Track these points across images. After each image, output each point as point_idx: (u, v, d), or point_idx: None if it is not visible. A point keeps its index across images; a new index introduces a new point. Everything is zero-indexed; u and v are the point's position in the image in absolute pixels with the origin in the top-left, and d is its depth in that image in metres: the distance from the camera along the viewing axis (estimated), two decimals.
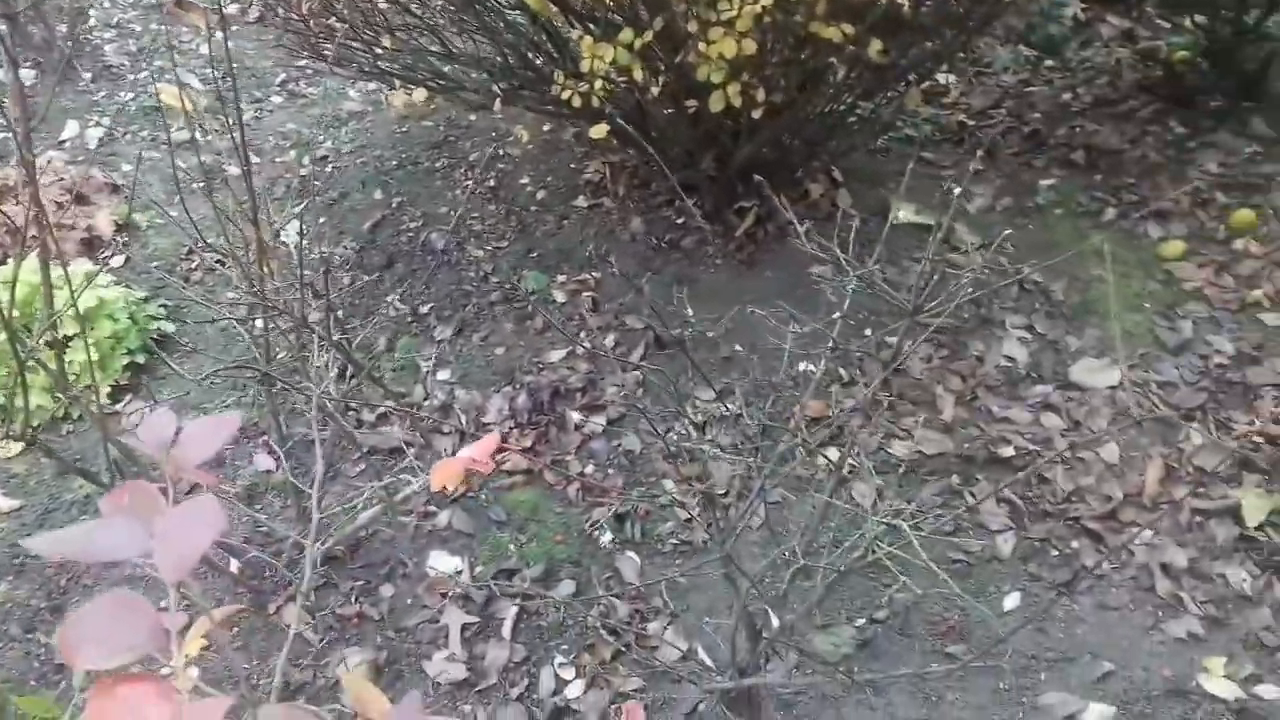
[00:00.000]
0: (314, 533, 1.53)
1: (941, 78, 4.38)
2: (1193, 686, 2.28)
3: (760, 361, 3.07)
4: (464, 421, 2.98)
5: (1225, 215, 3.55)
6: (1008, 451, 2.81)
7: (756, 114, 2.93)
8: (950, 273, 3.39)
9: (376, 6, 2.74)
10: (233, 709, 0.61)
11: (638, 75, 2.76)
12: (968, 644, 2.39)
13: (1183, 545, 2.57)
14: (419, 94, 2.75)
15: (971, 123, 4.11)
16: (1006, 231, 2.47)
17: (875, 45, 2.78)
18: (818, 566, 1.88)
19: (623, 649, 2.43)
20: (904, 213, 3.59)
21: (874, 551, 2.62)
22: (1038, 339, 3.17)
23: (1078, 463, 2.80)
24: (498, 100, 3.17)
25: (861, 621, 2.47)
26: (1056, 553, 2.58)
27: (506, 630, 2.49)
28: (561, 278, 3.42)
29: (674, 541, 2.67)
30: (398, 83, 2.82)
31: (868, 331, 3.20)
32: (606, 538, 2.68)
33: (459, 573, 2.61)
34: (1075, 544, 2.58)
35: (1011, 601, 2.49)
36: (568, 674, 2.41)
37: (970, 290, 3.15)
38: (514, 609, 2.53)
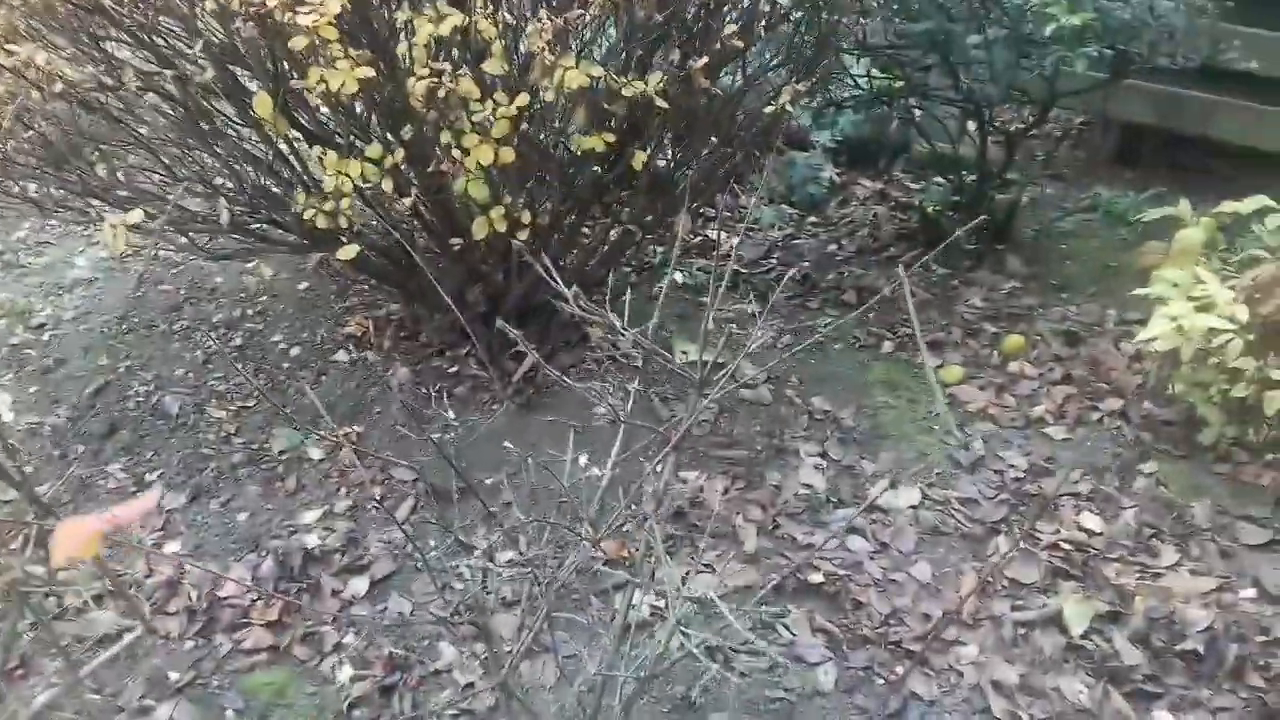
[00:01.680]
0: None
1: (712, 233, 4.39)
2: None
3: (544, 504, 2.75)
4: (195, 598, 2.50)
5: (995, 343, 3.59)
6: (816, 578, 2.58)
7: (523, 235, 2.74)
8: (741, 405, 3.24)
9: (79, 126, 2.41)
10: None
11: (387, 186, 2.53)
12: None
13: (1011, 661, 2.36)
14: (134, 215, 2.40)
15: (744, 271, 4.09)
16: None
17: (639, 157, 2.68)
18: (618, 687, 1.54)
19: None
20: (689, 351, 3.45)
21: (689, 695, 2.29)
22: (833, 465, 3.02)
23: (890, 584, 2.59)
24: (235, 241, 2.86)
25: None
26: (881, 681, 2.32)
27: None
28: (318, 435, 3.04)
29: (452, 713, 2.26)
30: (108, 217, 2.46)
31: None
32: (368, 715, 2.23)
33: None
34: (899, 669, 2.34)
35: None
36: None
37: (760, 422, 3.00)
38: None
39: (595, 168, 2.76)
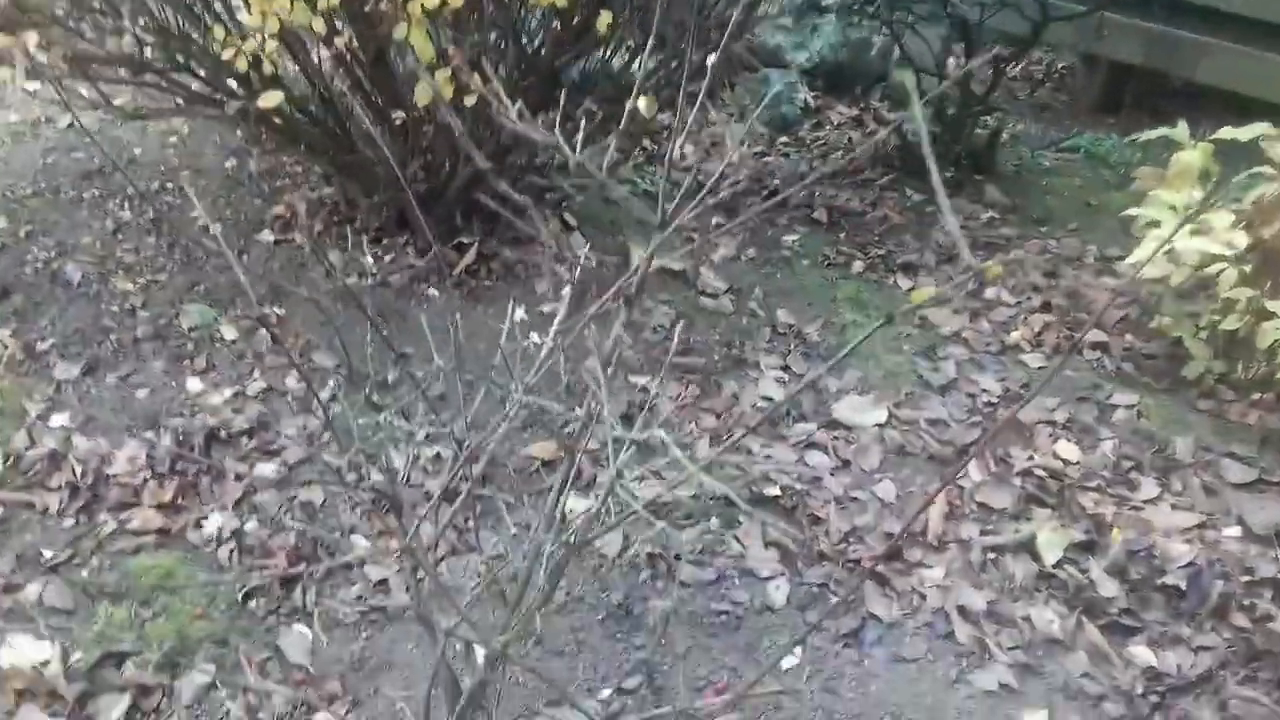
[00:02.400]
0: None
1: (677, 149, 4.13)
2: None
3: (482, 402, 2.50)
4: (78, 474, 2.22)
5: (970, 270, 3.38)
6: (772, 491, 2.36)
7: (469, 101, 2.46)
8: (700, 314, 3.01)
9: None
10: None
11: (317, 26, 2.24)
12: (741, 712, 1.86)
13: (978, 586, 2.17)
14: (30, 37, 2.10)
15: (706, 181, 3.83)
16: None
17: (604, 18, 2.41)
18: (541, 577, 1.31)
19: None
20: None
21: (627, 602, 2.07)
22: (796, 380, 2.80)
23: (851, 502, 2.38)
24: (149, 96, 2.56)
25: (607, 692, 1.88)
26: (836, 599, 2.11)
27: None
28: (235, 313, 2.76)
29: (362, 609, 2.01)
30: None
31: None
32: (264, 608, 1.99)
33: (45, 663, 1.83)
34: (858, 589, 2.13)
35: (791, 659, 1.98)
36: None
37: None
38: (122, 706, 1.77)
39: (556, 23, 2.49)
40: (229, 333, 2.69)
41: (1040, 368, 2.91)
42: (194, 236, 3.04)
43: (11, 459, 2.24)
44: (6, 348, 2.55)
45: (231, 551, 2.10)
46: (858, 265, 3.39)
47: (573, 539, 1.24)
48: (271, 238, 3.07)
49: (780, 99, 4.51)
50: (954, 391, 2.79)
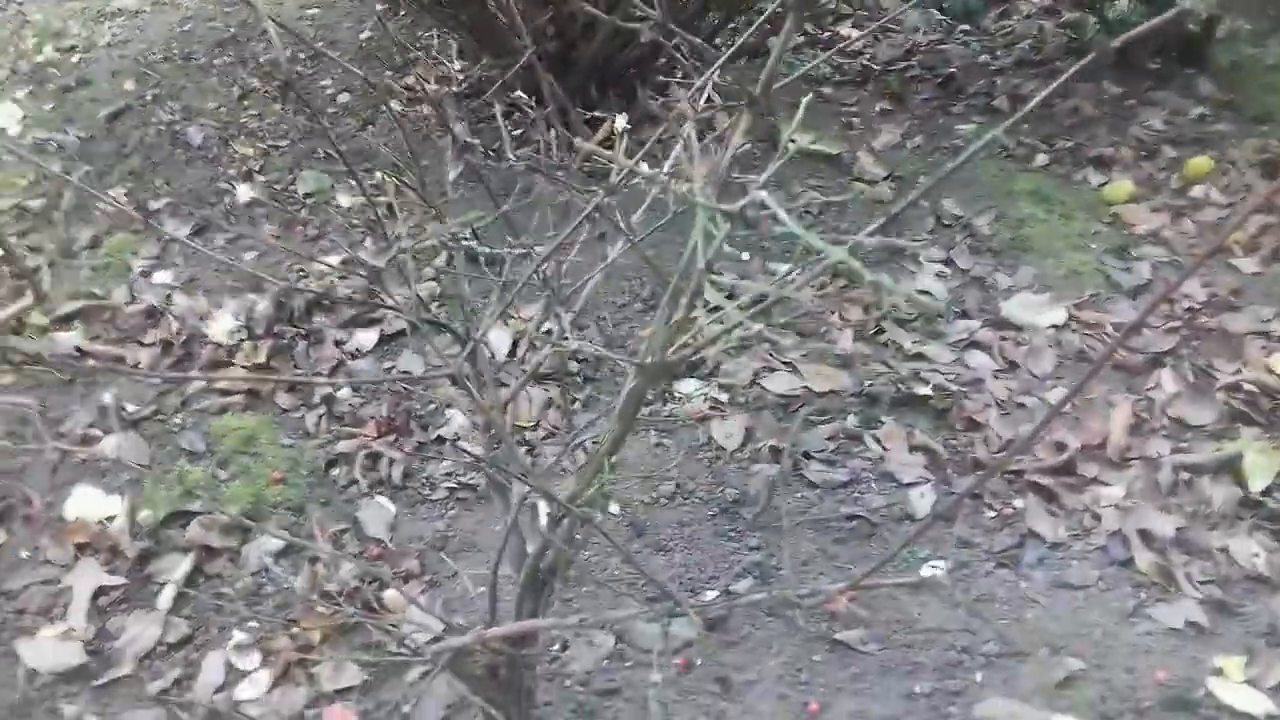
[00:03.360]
0: None
1: (843, 30, 3.77)
2: (1201, 696, 1.51)
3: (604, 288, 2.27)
4: (174, 330, 2.11)
5: (1174, 167, 2.93)
6: (923, 390, 2.05)
7: None
8: (853, 202, 2.69)
9: None
10: None
11: None
12: (869, 630, 1.58)
13: (1166, 510, 1.82)
14: None
15: (877, 68, 3.48)
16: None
17: None
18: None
19: (341, 629, 1.56)
20: (800, 139, 2.89)
21: (743, 498, 1.82)
22: (959, 275, 2.46)
23: (1016, 409, 2.05)
24: None
25: (713, 594, 1.64)
26: (993, 514, 1.81)
27: (165, 599, 1.60)
28: (352, 182, 2.60)
29: (449, 486, 1.83)
30: None
31: (745, 256, 2.45)
32: (347, 477, 1.82)
33: (110, 517, 1.71)
34: (1019, 503, 1.82)
35: (932, 570, 1.70)
36: (248, 662, 1.53)
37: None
38: (184, 567, 1.64)
39: None
40: (344, 200, 2.54)
41: (1255, 273, 2.47)
42: (319, 105, 2.91)
43: (110, 313, 2.15)
44: (119, 205, 2.46)
45: (320, 418, 1.94)
46: (1041, 158, 2.98)
47: (650, 359, 0.97)
48: (399, 108, 2.90)
49: None
50: (1149, 295, 2.40)
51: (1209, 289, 2.42)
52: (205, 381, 1.97)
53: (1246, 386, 2.09)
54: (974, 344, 2.22)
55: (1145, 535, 1.76)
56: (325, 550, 1.64)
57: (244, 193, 2.53)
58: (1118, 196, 2.77)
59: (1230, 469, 1.88)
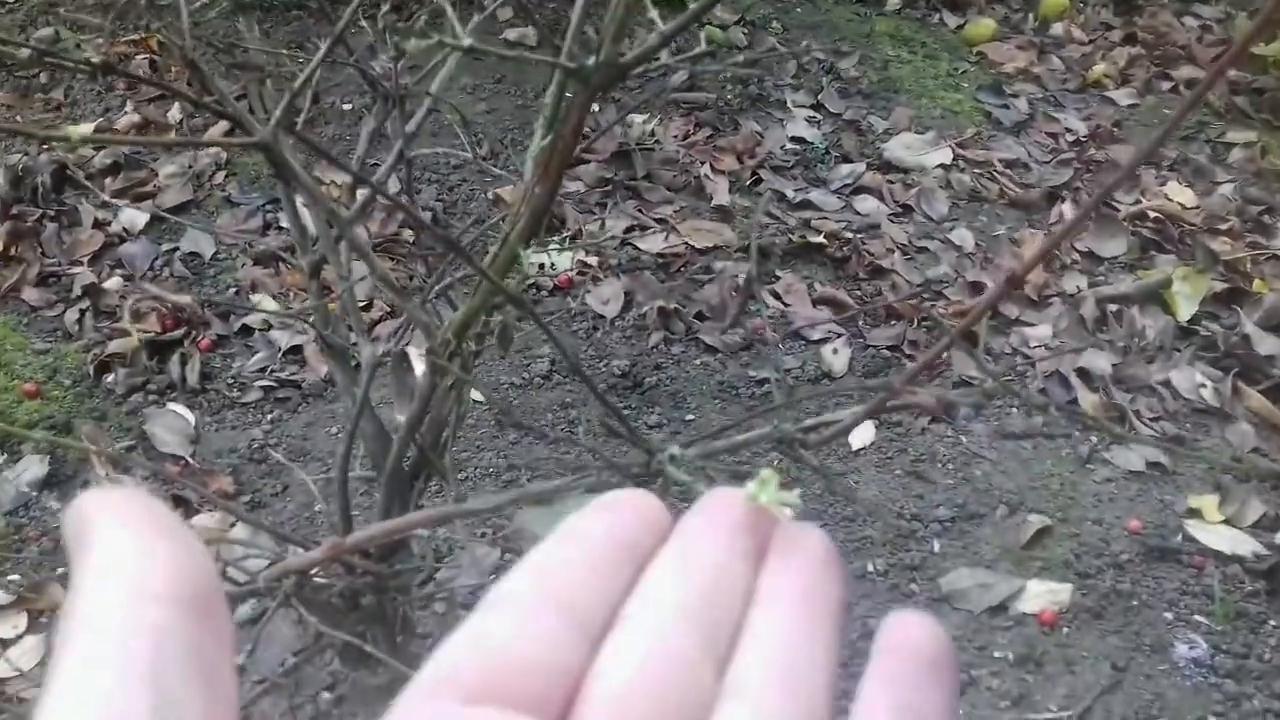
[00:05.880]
0: None
1: None
2: (1180, 541, 1.32)
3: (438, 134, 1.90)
4: None
5: (1029, 5, 2.76)
6: (816, 239, 1.79)
7: None
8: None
9: None
10: None
11: None
12: (805, 501, 1.32)
13: (1099, 347, 1.63)
14: None
15: None
16: None
17: None
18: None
19: None
20: None
21: (633, 371, 1.51)
22: (831, 119, 2.20)
23: (919, 252, 1.82)
24: None
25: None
26: (914, 362, 1.57)
27: None
28: (101, 35, 2.11)
29: (265, 385, 1.45)
30: None
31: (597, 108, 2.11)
32: (125, 383, 1.41)
33: None
34: (943, 353, 1.59)
35: (861, 439, 1.45)
36: (9, 627, 1.13)
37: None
38: None
39: None
40: (91, 56, 2.04)
41: (1131, 105, 2.33)
42: None
43: None
44: None
45: (83, 314, 1.51)
46: (893, 1, 2.76)
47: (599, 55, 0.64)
48: None
49: None
50: (1030, 130, 2.21)
51: (1090, 121, 2.26)
52: None
53: (1152, 215, 1.93)
54: (861, 189, 1.98)
55: (1083, 374, 1.56)
56: (105, 473, 1.24)
57: None
58: (980, 36, 2.57)
59: (1156, 299, 1.71)
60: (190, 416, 1.38)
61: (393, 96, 0.81)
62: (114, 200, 1.69)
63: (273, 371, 1.46)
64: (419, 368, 0.86)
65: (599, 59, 0.54)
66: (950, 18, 2.72)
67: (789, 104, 2.23)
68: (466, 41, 0.51)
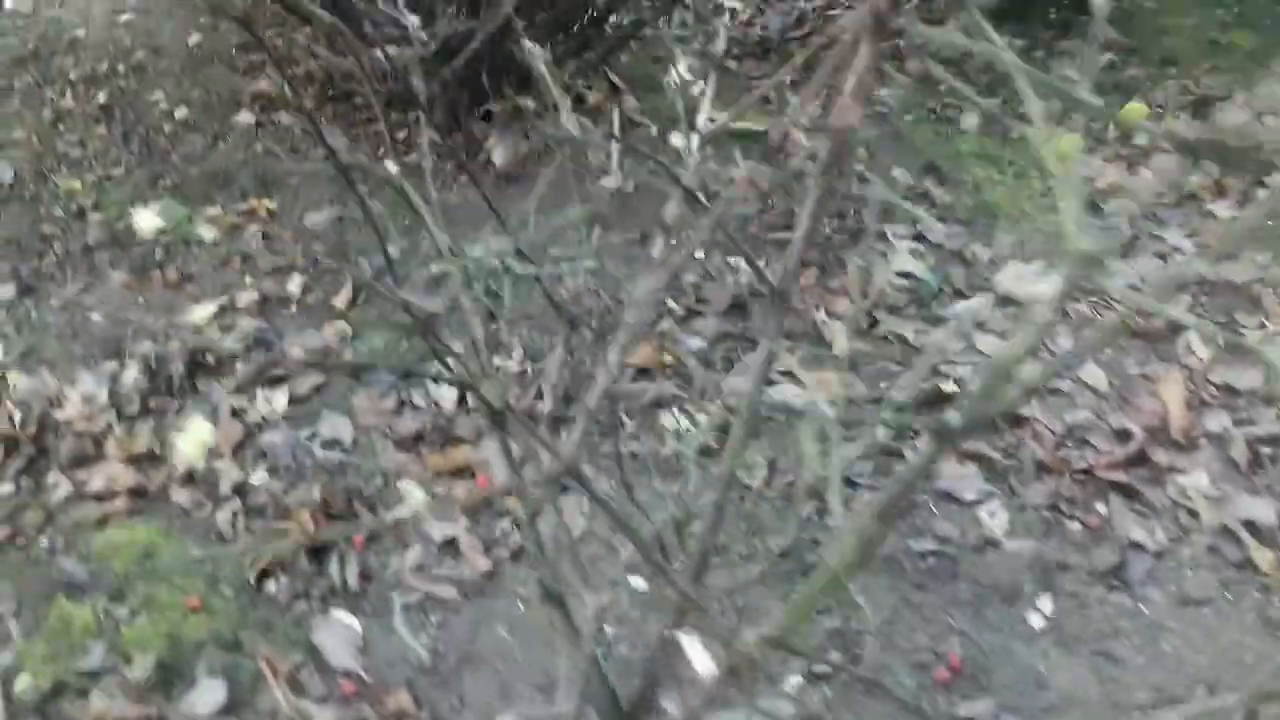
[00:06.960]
0: None
1: (726, 2, 3.49)
2: None
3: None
4: (18, 422, 1.62)
5: (1104, 116, 2.77)
6: (948, 386, 1.77)
7: None
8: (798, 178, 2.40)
9: None
10: None
11: None
12: (994, 698, 1.28)
13: (1254, 493, 1.59)
14: None
15: (774, 37, 3.21)
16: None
17: None
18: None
19: None
20: (720, 119, 2.58)
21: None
22: (935, 250, 2.20)
23: (1052, 394, 1.80)
24: None
25: (795, 679, 1.30)
26: (1077, 524, 1.53)
27: None
28: (213, 210, 2.14)
29: (425, 586, 1.43)
30: None
31: (699, 254, 2.12)
32: (288, 590, 1.40)
33: None
34: (1102, 508, 1.55)
35: (1037, 614, 1.41)
36: None
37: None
38: None
39: None
40: (206, 233, 2.07)
41: (1234, 218, 2.31)
42: (153, 123, 2.41)
43: None
44: None
45: (235, 515, 1.51)
46: (970, 119, 2.77)
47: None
48: (252, 119, 2.43)
49: None
50: (1138, 253, 2.19)
51: (1192, 237, 2.24)
52: (72, 485, 1.51)
53: None
54: (979, 324, 1.96)
55: (1250, 526, 1.52)
56: (286, 699, 1.22)
57: (78, 236, 2.04)
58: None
59: None
60: (356, 625, 1.36)
61: None
62: (247, 388, 1.70)
63: (430, 570, 1.44)
64: (695, 654, 0.84)
65: None
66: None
67: (888, 235, 2.23)
68: None
